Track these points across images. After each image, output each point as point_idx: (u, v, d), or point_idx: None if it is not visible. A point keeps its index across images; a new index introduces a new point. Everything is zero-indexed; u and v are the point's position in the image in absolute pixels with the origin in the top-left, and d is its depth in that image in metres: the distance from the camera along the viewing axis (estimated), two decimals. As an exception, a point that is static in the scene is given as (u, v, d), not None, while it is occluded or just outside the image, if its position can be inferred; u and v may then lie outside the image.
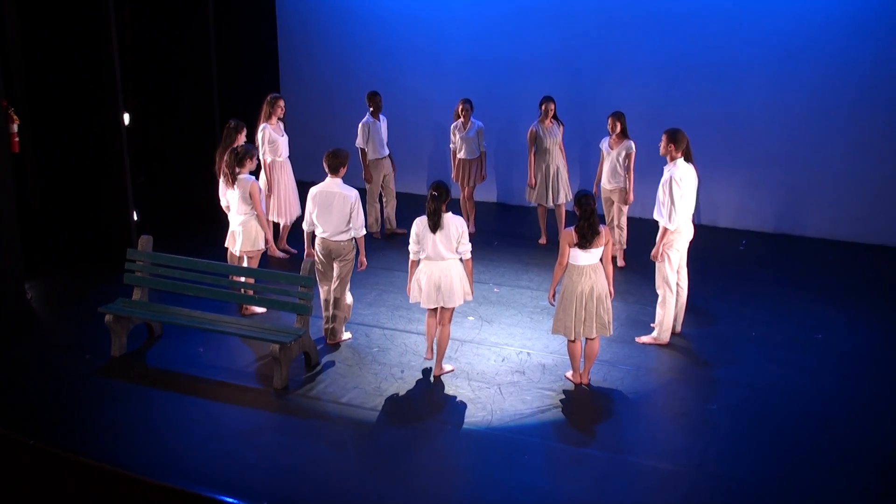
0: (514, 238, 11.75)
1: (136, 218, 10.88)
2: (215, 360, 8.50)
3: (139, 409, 7.67)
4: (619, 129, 10.15)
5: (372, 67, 13.67)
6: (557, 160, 11.05)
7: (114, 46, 10.19)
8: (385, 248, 11.27)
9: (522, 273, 10.53)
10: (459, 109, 11.47)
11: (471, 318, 9.28)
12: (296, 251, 10.85)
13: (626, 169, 10.17)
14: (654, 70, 12.24)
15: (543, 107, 10.97)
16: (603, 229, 7.52)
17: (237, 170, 9.10)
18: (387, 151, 11.62)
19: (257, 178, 9.35)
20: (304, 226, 8.61)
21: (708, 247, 11.49)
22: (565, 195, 11.14)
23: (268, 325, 8.37)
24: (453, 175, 11.78)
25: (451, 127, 11.62)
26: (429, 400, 7.72)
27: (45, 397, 7.86)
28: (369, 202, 11.69)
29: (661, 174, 8.99)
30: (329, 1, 13.83)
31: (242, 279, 9.11)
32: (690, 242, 8.70)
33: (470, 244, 7.84)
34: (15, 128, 10.15)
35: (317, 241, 8.53)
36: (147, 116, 12.29)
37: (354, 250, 8.51)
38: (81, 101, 10.41)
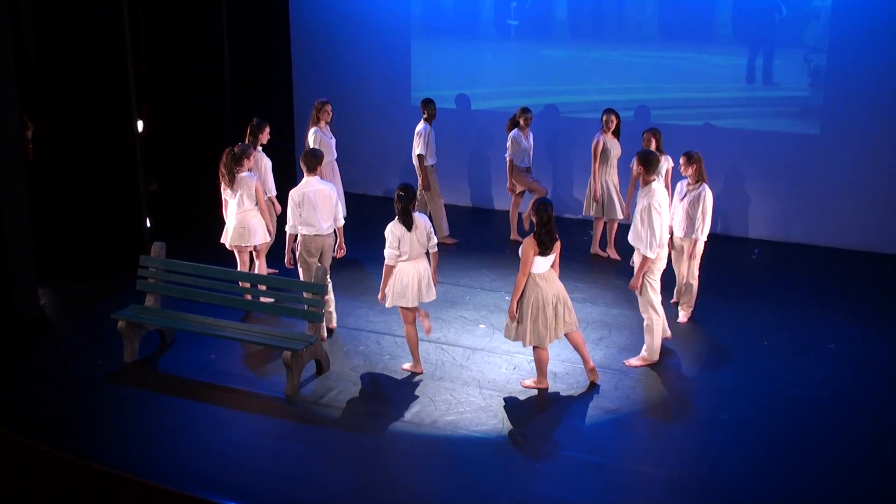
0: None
1: (149, 225, 10.93)
2: (227, 366, 8.51)
3: (151, 415, 7.69)
4: (654, 145, 9.87)
5: (386, 76, 13.70)
6: (616, 174, 10.86)
7: (128, 53, 10.24)
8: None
9: (534, 281, 10.50)
10: (521, 119, 11.26)
11: (482, 326, 9.28)
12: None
13: (664, 186, 10.08)
14: (658, 75, 12.23)
15: (605, 118, 10.77)
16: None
17: (235, 168, 9.31)
18: (435, 160, 11.63)
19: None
20: (291, 229, 8.76)
21: (720, 256, 11.46)
22: (621, 210, 10.91)
23: (279, 332, 8.38)
24: (511, 186, 11.49)
25: (510, 137, 11.30)
26: (440, 408, 7.71)
27: (57, 403, 7.89)
28: (438, 207, 11.69)
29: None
30: (343, 8, 13.86)
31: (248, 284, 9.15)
32: (705, 249, 8.86)
33: (435, 238, 8.12)
34: (29, 134, 10.23)
35: (306, 240, 8.69)
36: (160, 123, 12.34)
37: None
38: (95, 108, 10.46)
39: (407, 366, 8.36)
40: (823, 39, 11.41)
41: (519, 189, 11.58)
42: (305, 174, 8.77)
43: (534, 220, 7.57)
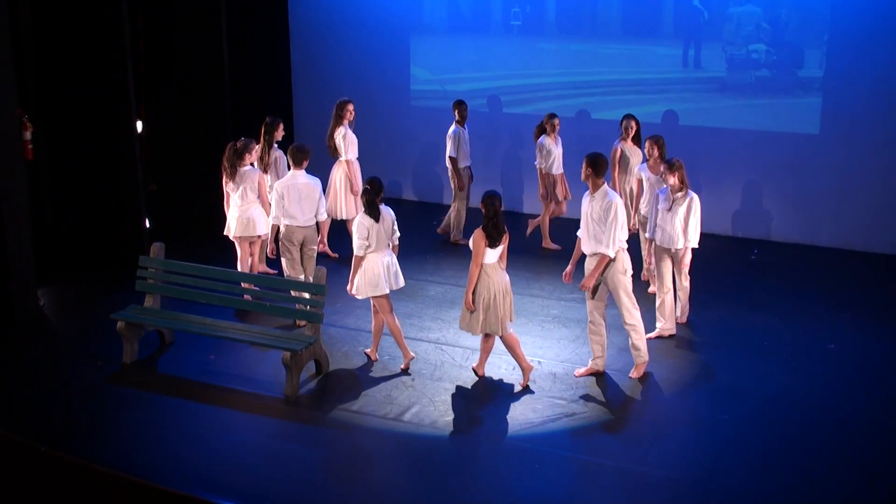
0: (524, 246, 11.73)
1: (148, 225, 10.93)
2: (226, 367, 8.53)
3: (150, 416, 7.69)
4: (656, 154, 9.65)
5: (385, 76, 13.73)
6: (635, 182, 10.39)
7: (127, 53, 10.25)
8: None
9: (533, 282, 10.53)
10: (548, 125, 11.15)
11: (481, 326, 9.29)
12: None
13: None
14: (664, 76, 12.27)
15: (624, 124, 10.58)
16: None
17: (238, 163, 9.56)
18: (469, 161, 11.63)
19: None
20: (274, 220, 9.13)
21: (720, 256, 11.48)
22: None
23: (279, 333, 8.40)
24: (544, 193, 11.37)
25: (539, 143, 11.21)
26: (439, 408, 7.73)
27: (56, 404, 7.90)
28: (459, 209, 11.72)
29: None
30: (342, 9, 13.89)
31: (249, 286, 9.19)
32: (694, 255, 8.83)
33: (398, 231, 8.42)
34: (28, 135, 10.23)
35: (287, 231, 9.06)
36: (159, 123, 12.35)
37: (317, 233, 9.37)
38: (95, 108, 10.47)
39: (403, 364, 8.41)
40: (823, 37, 11.45)
41: (551, 197, 11.46)
42: (292, 168, 9.07)
43: (482, 211, 7.77)
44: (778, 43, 11.71)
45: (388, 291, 8.29)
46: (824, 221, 11.81)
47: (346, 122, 11.04)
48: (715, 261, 11.21)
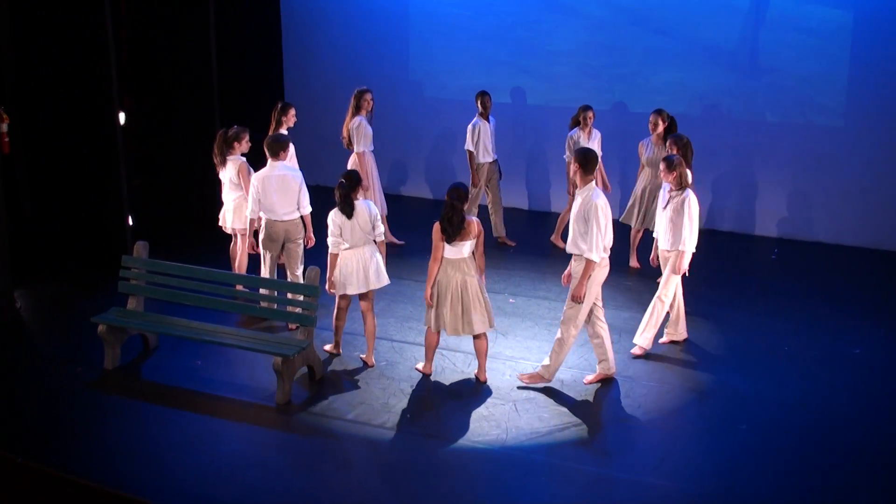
0: (531, 246, 11.73)
1: (131, 223, 10.90)
2: (214, 373, 8.51)
3: (133, 424, 7.67)
4: (676, 152, 9.41)
5: (380, 68, 13.72)
6: (659, 182, 10.26)
7: (110, 42, 10.24)
8: (394, 255, 11.23)
9: (539, 283, 10.51)
10: (581, 117, 11.07)
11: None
12: (403, 242, 11.81)
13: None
14: (680, 72, 12.24)
15: (651, 119, 10.52)
16: (472, 222, 7.85)
17: (227, 151, 9.64)
18: (493, 156, 11.56)
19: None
20: (251, 214, 9.14)
21: (739, 256, 11.47)
22: (650, 221, 10.50)
23: (269, 337, 8.37)
24: (571, 189, 11.17)
25: (568, 137, 11.14)
26: (440, 417, 7.70)
27: (33, 411, 7.87)
28: (469, 207, 11.62)
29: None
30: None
31: (242, 287, 9.17)
32: (693, 259, 8.77)
33: (382, 226, 8.43)
34: (5, 127, 10.21)
35: (267, 225, 9.06)
36: (144, 116, 12.33)
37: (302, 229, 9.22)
38: (75, 99, 10.46)
39: (329, 347, 8.75)
40: (842, 31, 11.41)
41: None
42: (270, 160, 9.06)
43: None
44: (799, 34, 11.67)
45: (360, 292, 8.38)
46: (849, 219, 11.79)
47: (363, 112, 11.09)
48: (733, 260, 11.19)
